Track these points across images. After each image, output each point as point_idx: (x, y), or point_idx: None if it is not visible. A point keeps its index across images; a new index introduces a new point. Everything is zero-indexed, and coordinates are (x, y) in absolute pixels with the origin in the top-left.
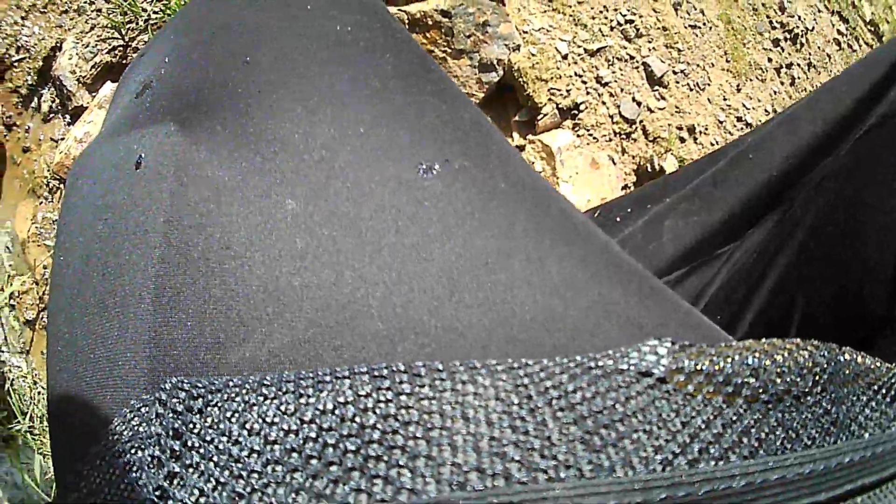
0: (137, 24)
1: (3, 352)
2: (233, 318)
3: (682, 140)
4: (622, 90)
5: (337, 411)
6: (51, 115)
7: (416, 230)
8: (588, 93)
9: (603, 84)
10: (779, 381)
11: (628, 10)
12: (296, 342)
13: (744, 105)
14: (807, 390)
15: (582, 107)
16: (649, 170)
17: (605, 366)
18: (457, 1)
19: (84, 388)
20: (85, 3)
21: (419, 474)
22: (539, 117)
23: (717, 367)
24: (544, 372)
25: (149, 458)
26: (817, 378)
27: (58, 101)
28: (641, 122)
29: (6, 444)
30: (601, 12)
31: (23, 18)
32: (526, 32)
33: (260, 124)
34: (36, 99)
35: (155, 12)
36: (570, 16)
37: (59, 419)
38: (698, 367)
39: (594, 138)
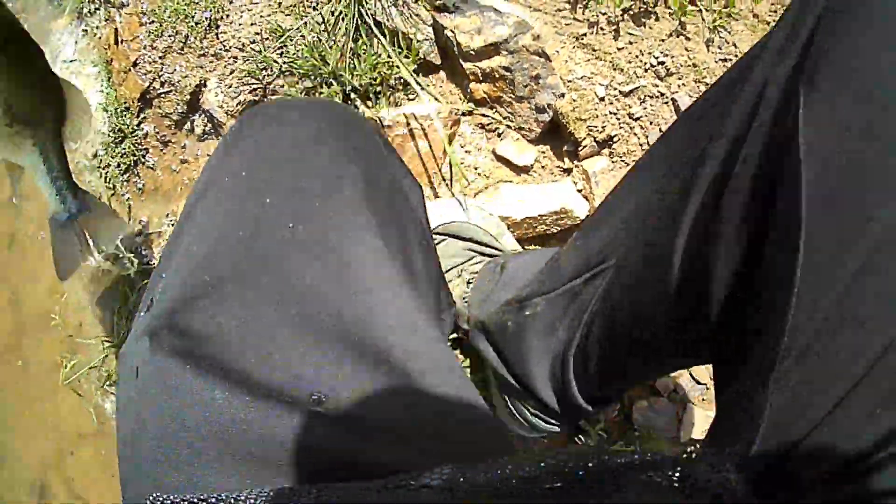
0: (271, 71)
1: None
2: None
3: None
4: (651, 123)
5: None
6: (205, 136)
7: None
8: (621, 127)
9: (634, 119)
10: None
11: (661, 53)
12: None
13: None
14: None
15: (615, 139)
16: None
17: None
18: (515, 59)
19: None
20: (220, 49)
21: None
22: (580, 148)
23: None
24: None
25: None
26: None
27: (210, 125)
28: None
29: None
30: (637, 56)
31: (161, 58)
32: (570, 81)
33: (213, 328)
34: (189, 122)
35: (285, 62)
36: (610, 62)
37: None
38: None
39: (626, 164)
